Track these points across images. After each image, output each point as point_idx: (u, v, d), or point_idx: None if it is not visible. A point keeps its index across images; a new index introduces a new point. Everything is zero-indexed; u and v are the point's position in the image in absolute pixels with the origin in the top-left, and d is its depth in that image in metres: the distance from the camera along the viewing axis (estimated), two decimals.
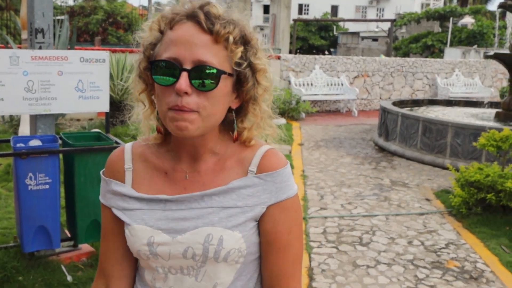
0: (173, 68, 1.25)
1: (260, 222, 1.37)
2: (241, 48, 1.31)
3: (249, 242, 1.35)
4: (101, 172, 1.48)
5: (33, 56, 4.12)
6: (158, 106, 1.31)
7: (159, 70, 1.27)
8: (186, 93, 1.24)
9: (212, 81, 1.26)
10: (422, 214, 6.21)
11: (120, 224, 1.43)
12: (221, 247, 1.31)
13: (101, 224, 1.50)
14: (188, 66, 1.24)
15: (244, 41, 1.32)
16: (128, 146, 1.47)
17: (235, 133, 1.39)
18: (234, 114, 1.38)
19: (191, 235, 1.33)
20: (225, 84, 1.29)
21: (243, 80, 1.33)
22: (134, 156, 1.45)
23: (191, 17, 1.28)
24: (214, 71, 1.26)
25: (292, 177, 1.39)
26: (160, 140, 1.43)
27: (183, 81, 1.23)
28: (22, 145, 4.01)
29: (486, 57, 10.75)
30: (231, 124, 1.41)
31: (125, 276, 1.50)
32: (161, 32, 1.32)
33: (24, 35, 6.18)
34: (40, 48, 4.26)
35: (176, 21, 1.29)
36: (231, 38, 1.28)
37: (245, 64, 1.32)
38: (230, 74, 1.30)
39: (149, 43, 1.34)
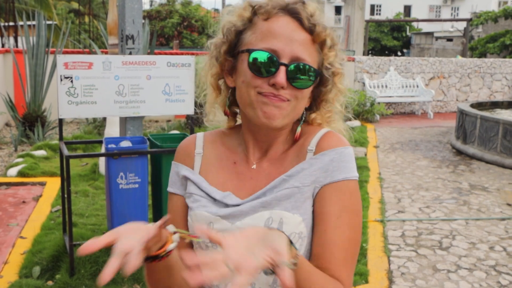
0: (271, 60, 1.24)
1: (314, 203, 1.31)
2: (333, 53, 1.33)
3: (309, 228, 1.29)
4: (172, 162, 1.47)
5: (124, 61, 4.33)
6: (243, 91, 1.29)
7: (256, 58, 1.25)
8: (282, 87, 1.25)
9: (309, 80, 1.28)
10: (503, 219, 6.06)
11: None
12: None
13: (168, 216, 1.35)
14: (285, 61, 1.24)
15: (332, 45, 1.33)
16: (200, 134, 1.48)
17: (298, 131, 1.37)
18: (305, 112, 1.38)
19: (250, 220, 1.29)
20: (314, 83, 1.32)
21: (324, 81, 1.35)
22: (205, 143, 1.45)
23: (290, 12, 1.27)
24: (313, 71, 1.28)
25: (354, 162, 1.32)
26: (233, 123, 1.45)
27: (283, 76, 1.24)
28: (113, 146, 4.23)
29: None
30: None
31: None
32: (250, 21, 1.31)
33: (112, 40, 6.49)
34: (130, 53, 4.47)
35: (274, 13, 1.27)
36: (328, 42, 1.31)
37: (332, 68, 1.34)
38: (321, 75, 1.33)
39: (234, 29, 1.33)
